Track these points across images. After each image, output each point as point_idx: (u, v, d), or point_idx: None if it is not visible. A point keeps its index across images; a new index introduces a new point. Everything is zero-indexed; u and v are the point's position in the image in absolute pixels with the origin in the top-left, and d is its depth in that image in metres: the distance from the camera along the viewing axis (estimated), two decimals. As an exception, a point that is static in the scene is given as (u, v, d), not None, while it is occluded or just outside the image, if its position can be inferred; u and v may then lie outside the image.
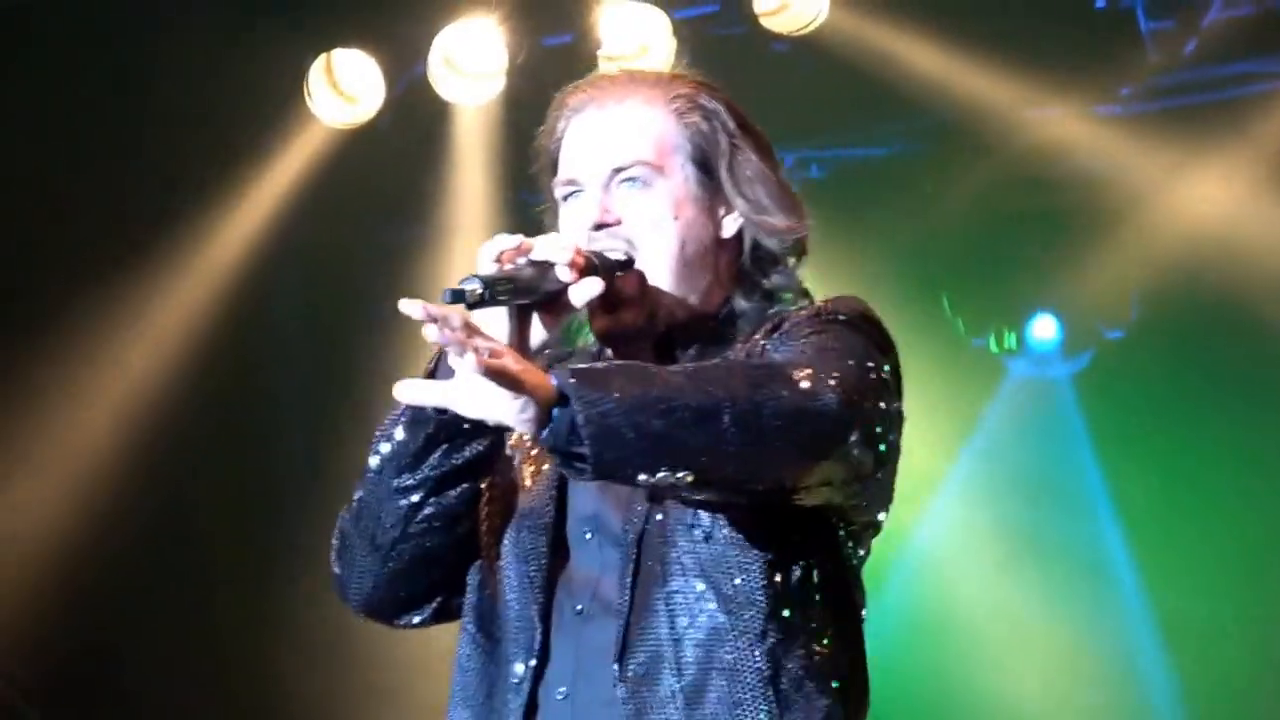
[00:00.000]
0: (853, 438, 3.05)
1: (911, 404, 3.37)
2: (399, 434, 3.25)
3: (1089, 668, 8.74)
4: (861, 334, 3.26)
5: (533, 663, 3.23)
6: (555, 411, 2.88)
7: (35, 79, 7.89)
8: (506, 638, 3.29)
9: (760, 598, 3.17)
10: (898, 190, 8.63)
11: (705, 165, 3.39)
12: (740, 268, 3.44)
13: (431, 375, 3.20)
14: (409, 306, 2.86)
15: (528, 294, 3.15)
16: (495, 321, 3.17)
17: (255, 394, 9.04)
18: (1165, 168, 8.26)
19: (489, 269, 3.12)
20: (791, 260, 3.46)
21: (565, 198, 3.41)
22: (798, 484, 3.09)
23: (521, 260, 3.18)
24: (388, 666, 8.58)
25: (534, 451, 3.41)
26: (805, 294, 3.46)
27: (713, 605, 3.15)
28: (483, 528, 3.38)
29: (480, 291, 3.02)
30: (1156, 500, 8.56)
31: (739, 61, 7.64)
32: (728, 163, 3.40)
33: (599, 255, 3.25)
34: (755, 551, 3.18)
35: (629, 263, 3.31)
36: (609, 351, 3.40)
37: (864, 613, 3.35)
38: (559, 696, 3.21)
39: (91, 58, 7.93)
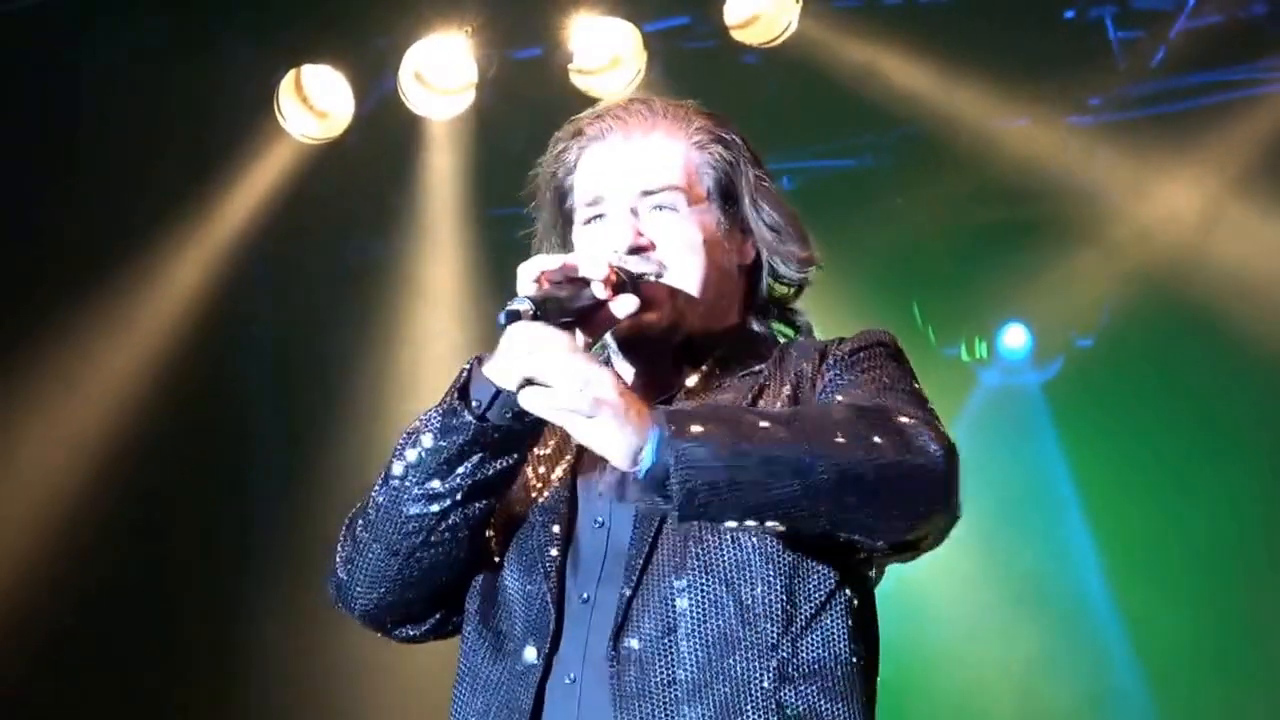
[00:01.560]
0: (955, 491, 3.13)
1: (884, 413, 3.40)
2: (427, 441, 3.23)
3: (1059, 670, 8.79)
4: (906, 370, 3.36)
5: (545, 649, 3.23)
6: (651, 452, 2.93)
7: (3, 93, 7.86)
8: (514, 627, 3.30)
9: (778, 612, 3.18)
10: (869, 201, 8.67)
11: (727, 195, 3.48)
12: (756, 292, 3.54)
13: (464, 388, 3.24)
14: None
15: (569, 312, 3.20)
16: None
17: (226, 407, 9.00)
18: (1134, 177, 8.32)
19: (530, 289, 3.16)
20: (799, 292, 3.58)
21: (588, 220, 3.46)
22: (901, 540, 3.16)
23: (559, 279, 3.22)
24: (364, 670, 8.60)
25: (540, 452, 3.45)
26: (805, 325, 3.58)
27: (729, 610, 3.17)
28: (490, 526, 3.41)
29: (532, 311, 3.08)
30: (1125, 505, 8.62)
31: (710, 74, 7.67)
32: (750, 193, 3.49)
33: (626, 270, 3.30)
34: (782, 565, 3.20)
35: (657, 277, 3.38)
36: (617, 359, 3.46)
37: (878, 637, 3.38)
38: (567, 681, 3.22)
39: (61, 73, 7.90)
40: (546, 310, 3.11)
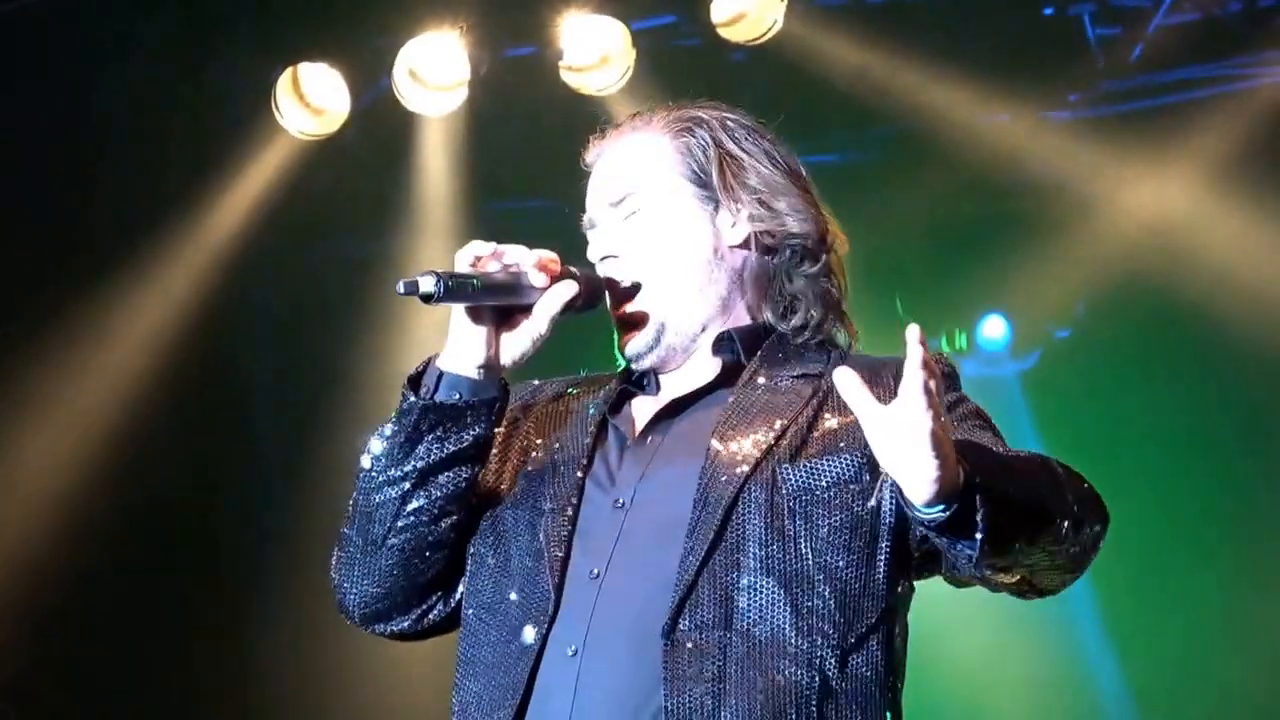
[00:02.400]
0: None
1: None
2: (386, 429, 3.36)
3: (1035, 661, 8.83)
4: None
5: (545, 626, 3.26)
6: (973, 497, 2.94)
7: (2, 91, 7.90)
8: (514, 605, 3.33)
9: (829, 627, 3.21)
10: (851, 196, 8.18)
11: (699, 177, 3.51)
12: (760, 271, 3.54)
13: (416, 378, 3.38)
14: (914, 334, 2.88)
15: (495, 295, 3.30)
16: (466, 330, 3.35)
17: (225, 401, 9.03)
18: (1112, 172, 8.36)
19: (461, 268, 3.29)
20: (811, 263, 3.57)
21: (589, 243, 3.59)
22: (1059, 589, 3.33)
23: (495, 265, 3.33)
24: (365, 663, 8.63)
25: (556, 430, 3.51)
26: (835, 304, 3.60)
27: (784, 616, 3.20)
28: (486, 507, 3.46)
29: (434, 285, 3.19)
30: (1101, 493, 8.59)
31: (696, 71, 7.71)
32: (718, 170, 3.50)
33: (592, 275, 3.44)
34: (838, 582, 3.24)
35: (634, 286, 3.46)
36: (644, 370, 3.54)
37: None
38: (568, 653, 3.23)
39: (59, 72, 7.93)
40: (452, 288, 3.22)
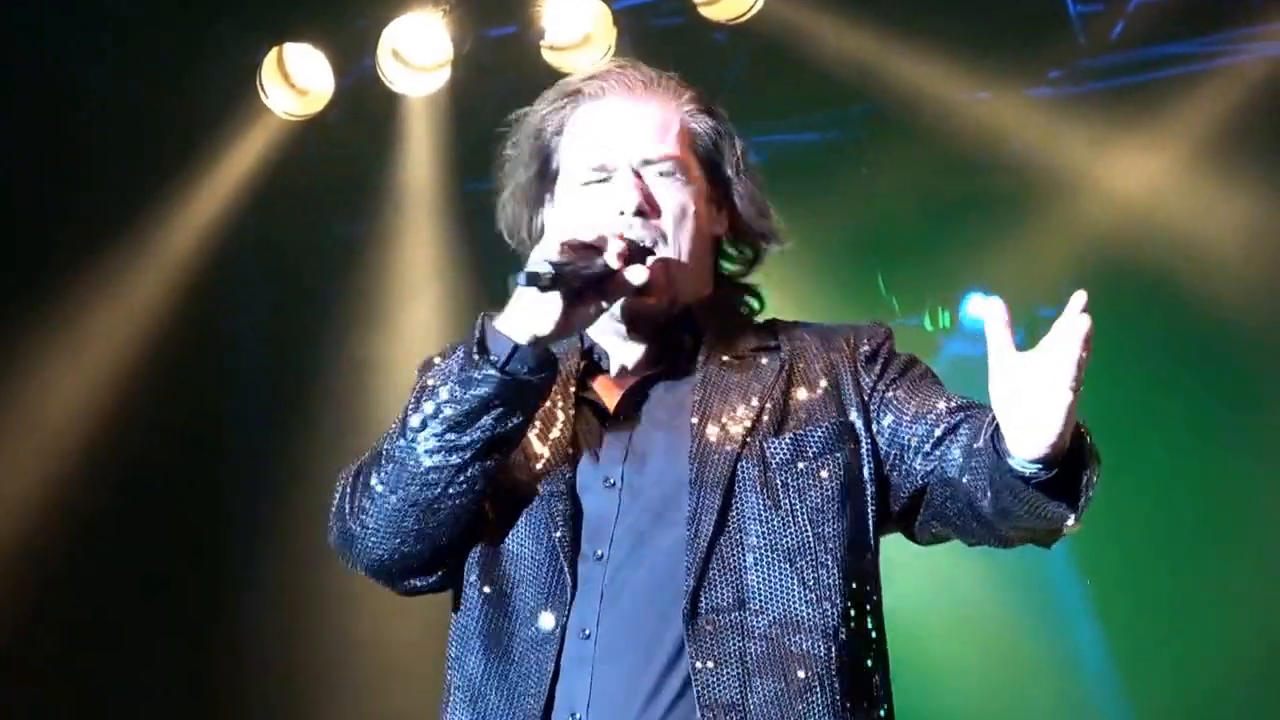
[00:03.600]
0: None
1: (847, 382, 3.53)
2: (444, 393, 3.27)
3: (1022, 645, 8.81)
4: None
5: (565, 612, 3.29)
6: (1080, 466, 3.12)
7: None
8: (519, 588, 3.34)
9: (836, 595, 3.31)
10: (833, 174, 8.67)
11: (714, 166, 3.57)
12: (716, 257, 3.65)
13: (481, 343, 3.29)
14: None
15: (582, 280, 3.31)
16: (537, 302, 3.30)
17: (211, 375, 9.05)
18: (1094, 149, 8.35)
19: (553, 254, 3.26)
20: (752, 251, 3.69)
21: (589, 181, 3.51)
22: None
23: (578, 245, 3.33)
24: (363, 630, 8.62)
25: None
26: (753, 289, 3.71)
27: (794, 590, 3.28)
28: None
29: (550, 275, 3.22)
30: None
31: (678, 50, 7.68)
32: (735, 166, 3.59)
33: (633, 242, 3.41)
34: (835, 549, 3.33)
35: (652, 250, 3.46)
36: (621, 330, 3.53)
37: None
38: (582, 636, 3.28)
39: (44, 53, 7.94)
40: (562, 277, 3.24)
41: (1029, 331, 9.44)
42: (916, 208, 8.69)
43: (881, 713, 3.36)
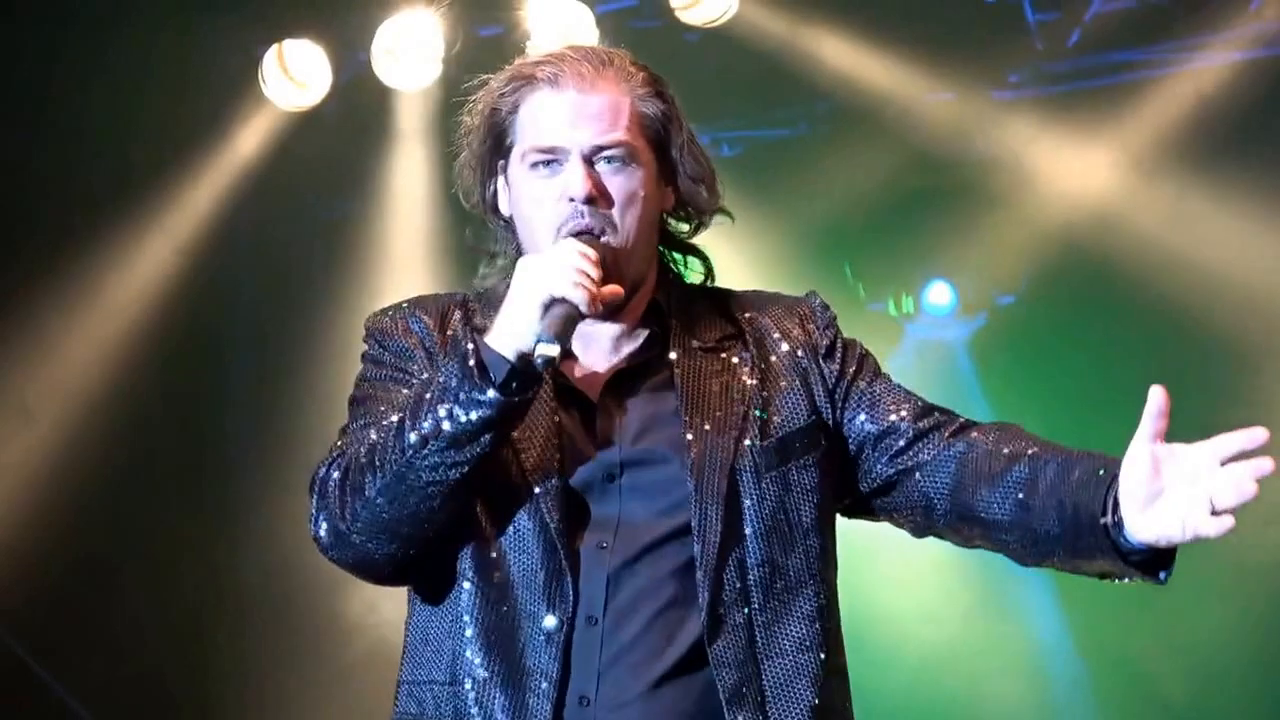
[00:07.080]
0: None
1: (814, 366, 3.65)
2: (443, 411, 3.25)
3: (987, 627, 8.99)
4: None
5: (569, 611, 3.32)
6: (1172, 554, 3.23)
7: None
8: (517, 582, 3.36)
9: (820, 578, 3.44)
10: (803, 168, 8.81)
11: (661, 146, 3.53)
12: (663, 235, 3.64)
13: (480, 363, 3.27)
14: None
15: (578, 320, 3.32)
16: (529, 315, 3.30)
17: (207, 355, 9.16)
18: (1051, 148, 8.57)
19: (550, 329, 3.24)
20: (699, 229, 3.69)
21: (537, 164, 3.47)
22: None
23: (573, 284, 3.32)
24: (354, 613, 8.89)
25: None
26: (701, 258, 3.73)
27: (788, 580, 3.40)
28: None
29: (560, 347, 3.25)
30: None
31: (656, 52, 7.63)
32: (679, 146, 3.55)
33: (588, 238, 3.41)
34: (808, 536, 3.45)
35: (601, 233, 3.44)
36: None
37: None
38: (588, 622, 3.32)
39: (53, 42, 8.03)
40: (566, 337, 3.25)
41: (990, 317, 9.31)
42: (882, 200, 8.82)
43: (844, 659, 3.48)
